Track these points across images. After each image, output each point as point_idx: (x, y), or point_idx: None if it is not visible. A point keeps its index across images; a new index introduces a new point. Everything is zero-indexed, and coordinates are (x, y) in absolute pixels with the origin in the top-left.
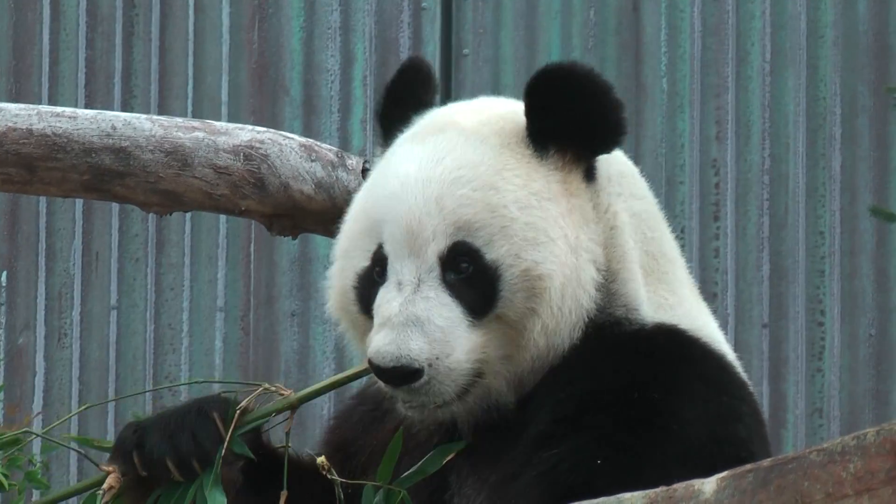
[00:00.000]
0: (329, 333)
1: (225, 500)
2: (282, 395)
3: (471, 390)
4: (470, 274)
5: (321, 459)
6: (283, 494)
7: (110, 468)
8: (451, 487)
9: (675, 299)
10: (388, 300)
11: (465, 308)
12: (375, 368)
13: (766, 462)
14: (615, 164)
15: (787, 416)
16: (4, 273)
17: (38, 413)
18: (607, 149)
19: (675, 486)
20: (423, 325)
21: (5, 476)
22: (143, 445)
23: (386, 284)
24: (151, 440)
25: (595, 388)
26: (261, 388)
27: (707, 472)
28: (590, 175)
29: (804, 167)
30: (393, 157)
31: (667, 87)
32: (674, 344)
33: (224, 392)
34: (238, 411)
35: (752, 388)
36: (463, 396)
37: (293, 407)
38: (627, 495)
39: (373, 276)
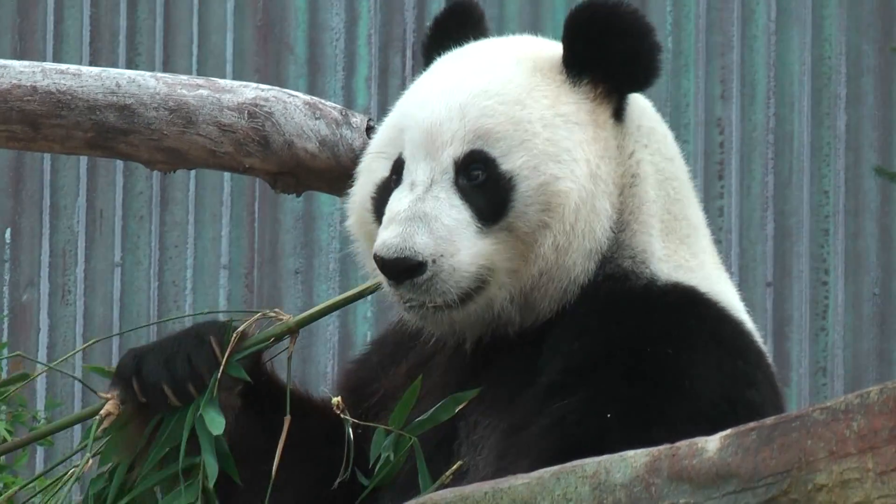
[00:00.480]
0: (333, 291)
1: (223, 422)
2: (280, 320)
3: (474, 297)
4: (482, 181)
5: (336, 399)
6: (287, 419)
7: (109, 395)
8: (459, 435)
9: (696, 262)
10: (398, 199)
11: (475, 213)
12: (379, 262)
13: (769, 420)
14: (647, 118)
15: (790, 375)
16: (8, 230)
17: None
18: (639, 87)
19: (679, 443)
20: (429, 223)
21: (9, 432)
22: (140, 371)
23: (400, 187)
24: (148, 366)
25: (607, 340)
26: (259, 314)
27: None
28: (619, 115)
29: (809, 126)
30: (425, 75)
31: (672, 46)
32: (690, 303)
33: (224, 319)
34: (235, 336)
35: (769, 359)
36: (465, 302)
37: (292, 331)
38: (630, 452)
39: (390, 185)
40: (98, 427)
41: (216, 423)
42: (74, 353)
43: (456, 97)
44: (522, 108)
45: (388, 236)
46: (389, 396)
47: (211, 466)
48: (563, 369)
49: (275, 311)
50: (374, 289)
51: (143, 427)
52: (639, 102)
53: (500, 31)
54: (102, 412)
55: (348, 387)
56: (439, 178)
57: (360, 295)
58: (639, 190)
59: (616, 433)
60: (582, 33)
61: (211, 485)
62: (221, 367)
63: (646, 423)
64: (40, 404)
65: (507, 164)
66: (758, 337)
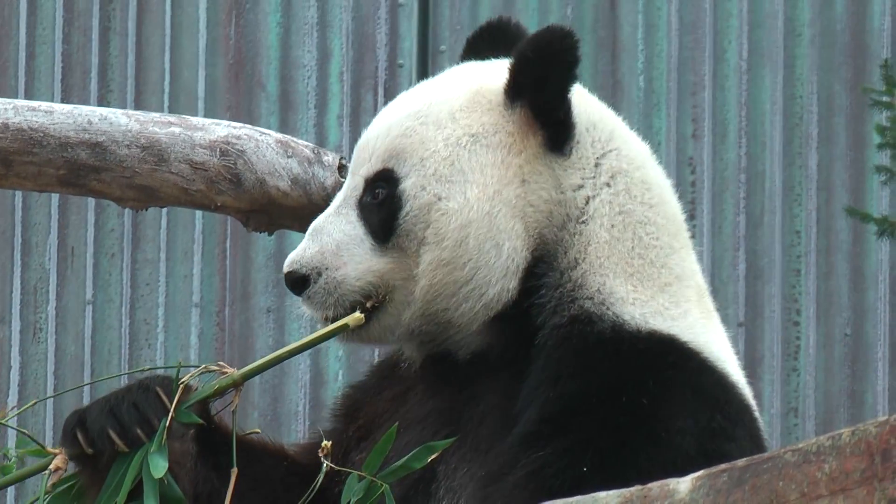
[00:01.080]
0: (305, 330)
1: (166, 465)
2: (224, 373)
3: (375, 314)
4: (381, 199)
5: (325, 444)
6: (234, 471)
7: (57, 451)
8: (438, 478)
9: (678, 311)
10: (320, 215)
11: (369, 231)
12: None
13: (740, 462)
14: (620, 160)
15: (762, 416)
16: None
17: (14, 407)
18: (548, 114)
19: (650, 485)
20: (321, 238)
21: None
22: (84, 422)
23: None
24: (92, 415)
25: (581, 389)
26: (202, 368)
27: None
28: (558, 145)
29: (781, 166)
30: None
31: (643, 84)
32: (666, 352)
33: (166, 372)
34: (181, 386)
35: (757, 415)
36: (368, 320)
37: (237, 384)
38: (602, 494)
39: None
40: (47, 482)
41: (159, 467)
42: (35, 403)
43: (389, 117)
44: (437, 129)
45: (292, 252)
46: (372, 422)
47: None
48: (538, 419)
49: (218, 365)
50: (315, 341)
51: (95, 481)
52: (615, 143)
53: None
54: (51, 466)
55: (341, 412)
56: (350, 194)
57: (300, 349)
58: (586, 228)
59: (592, 485)
60: (520, 59)
61: None
62: (170, 414)
63: (621, 475)
64: (11, 442)
65: (402, 184)
66: (745, 390)
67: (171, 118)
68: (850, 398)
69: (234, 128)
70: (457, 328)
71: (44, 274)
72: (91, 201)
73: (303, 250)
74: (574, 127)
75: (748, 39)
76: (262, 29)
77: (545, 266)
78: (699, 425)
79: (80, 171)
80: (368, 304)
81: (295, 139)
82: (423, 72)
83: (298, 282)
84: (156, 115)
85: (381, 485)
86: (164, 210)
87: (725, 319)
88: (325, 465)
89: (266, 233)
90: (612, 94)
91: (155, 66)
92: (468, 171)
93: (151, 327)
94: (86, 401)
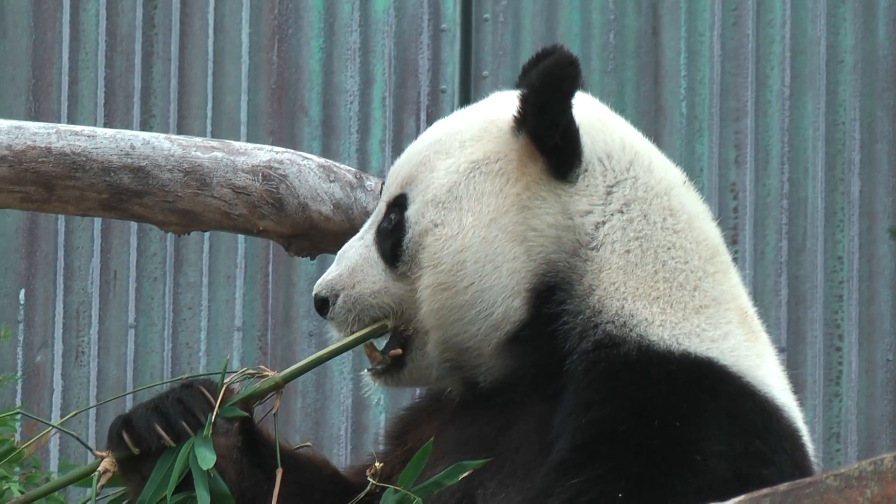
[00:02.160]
0: (347, 353)
1: (214, 457)
2: (265, 377)
3: (407, 354)
4: (393, 225)
5: (376, 465)
6: (279, 472)
7: (104, 453)
8: (476, 500)
9: (716, 333)
10: (349, 241)
11: (381, 255)
12: None
13: (782, 486)
14: (636, 188)
15: None
16: (23, 291)
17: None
18: (543, 142)
19: None
20: (343, 261)
21: (21, 492)
22: (129, 422)
23: None
24: (136, 415)
25: (612, 415)
26: (242, 371)
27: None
28: (559, 172)
29: (823, 192)
30: None
31: (686, 110)
32: (703, 375)
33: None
34: (224, 387)
35: (804, 440)
36: (405, 359)
37: (279, 387)
38: None
39: None
40: (97, 484)
41: (207, 459)
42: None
43: (415, 145)
44: (446, 157)
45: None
46: (418, 446)
47: (203, 498)
48: (570, 447)
49: (258, 368)
50: (354, 343)
51: (140, 485)
52: (633, 171)
53: (515, 63)
54: (100, 469)
55: (392, 434)
56: (374, 221)
57: (340, 350)
58: (598, 254)
59: None
60: (527, 86)
61: None
62: (216, 409)
63: (657, 500)
64: (53, 465)
65: (408, 210)
66: (793, 414)
67: (214, 143)
68: (893, 423)
69: (277, 152)
70: (475, 353)
71: (86, 298)
72: (133, 225)
73: (327, 274)
74: (580, 155)
75: (790, 66)
76: (305, 54)
77: (563, 293)
78: (735, 450)
79: (122, 195)
80: (390, 325)
81: (337, 164)
82: (466, 97)
83: (321, 305)
84: (198, 140)
85: (414, 498)
86: (207, 234)
87: None
88: (370, 483)
89: (308, 257)
90: (654, 120)
91: (197, 90)
92: (464, 199)
93: (193, 351)
94: None
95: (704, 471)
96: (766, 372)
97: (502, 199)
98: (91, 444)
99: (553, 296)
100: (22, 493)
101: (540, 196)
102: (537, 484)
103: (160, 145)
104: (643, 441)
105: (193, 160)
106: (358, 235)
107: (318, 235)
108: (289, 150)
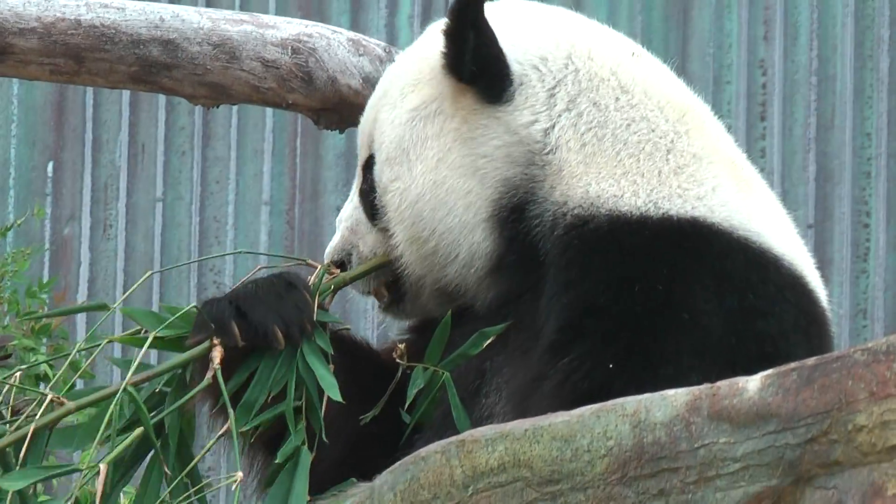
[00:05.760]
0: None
1: (330, 370)
2: (315, 268)
3: (401, 287)
4: (369, 186)
5: (399, 346)
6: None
7: (214, 341)
8: (485, 374)
9: (702, 190)
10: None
11: (366, 215)
12: None
13: (810, 361)
14: (586, 81)
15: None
16: (51, 164)
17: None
18: (463, 73)
19: (719, 383)
20: (341, 226)
21: (50, 367)
22: (244, 316)
23: None
24: (255, 311)
25: (591, 289)
26: (300, 259)
27: (727, 367)
28: (496, 95)
29: (852, 68)
30: None
31: None
32: (683, 236)
33: (286, 268)
34: (316, 286)
35: (812, 287)
36: (401, 296)
37: (345, 283)
38: (671, 392)
39: None
40: (212, 371)
41: (320, 373)
42: (133, 290)
43: (370, 101)
44: (391, 110)
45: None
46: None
47: (326, 379)
48: (556, 328)
49: (308, 263)
50: (368, 270)
51: (230, 374)
52: (571, 66)
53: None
54: (217, 359)
55: (413, 327)
56: (356, 184)
57: (361, 274)
58: (554, 157)
59: (621, 380)
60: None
61: (336, 398)
62: (315, 314)
63: (650, 364)
64: (80, 337)
65: (374, 170)
66: (795, 262)
67: (243, 16)
68: None
69: (306, 26)
70: (462, 289)
71: (114, 171)
72: (162, 99)
73: (333, 242)
74: (507, 73)
75: None
76: None
77: (531, 207)
78: (726, 305)
79: (151, 68)
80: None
81: (366, 38)
82: None
83: (341, 267)
84: (228, 13)
85: (443, 373)
86: (235, 108)
87: (795, 221)
88: (401, 364)
89: (337, 130)
90: None
91: None
92: (410, 149)
93: (221, 225)
94: (156, 294)
95: (695, 329)
96: (763, 222)
97: (444, 139)
98: (117, 319)
99: (523, 214)
100: (51, 366)
101: (481, 125)
102: (532, 369)
103: (189, 18)
104: (625, 309)
105: (223, 33)
106: (349, 198)
107: (346, 109)
108: (318, 23)
